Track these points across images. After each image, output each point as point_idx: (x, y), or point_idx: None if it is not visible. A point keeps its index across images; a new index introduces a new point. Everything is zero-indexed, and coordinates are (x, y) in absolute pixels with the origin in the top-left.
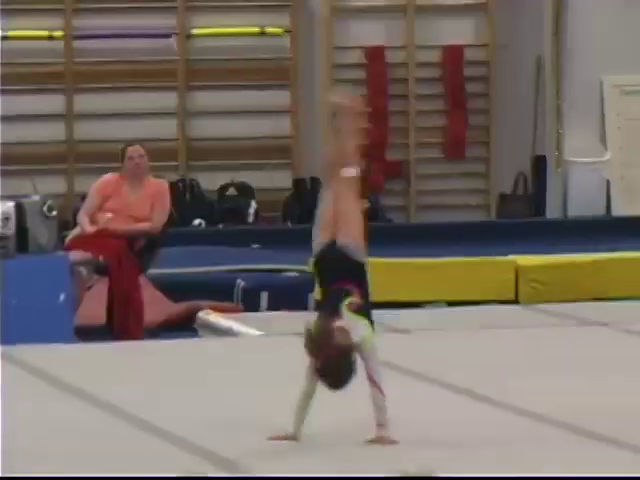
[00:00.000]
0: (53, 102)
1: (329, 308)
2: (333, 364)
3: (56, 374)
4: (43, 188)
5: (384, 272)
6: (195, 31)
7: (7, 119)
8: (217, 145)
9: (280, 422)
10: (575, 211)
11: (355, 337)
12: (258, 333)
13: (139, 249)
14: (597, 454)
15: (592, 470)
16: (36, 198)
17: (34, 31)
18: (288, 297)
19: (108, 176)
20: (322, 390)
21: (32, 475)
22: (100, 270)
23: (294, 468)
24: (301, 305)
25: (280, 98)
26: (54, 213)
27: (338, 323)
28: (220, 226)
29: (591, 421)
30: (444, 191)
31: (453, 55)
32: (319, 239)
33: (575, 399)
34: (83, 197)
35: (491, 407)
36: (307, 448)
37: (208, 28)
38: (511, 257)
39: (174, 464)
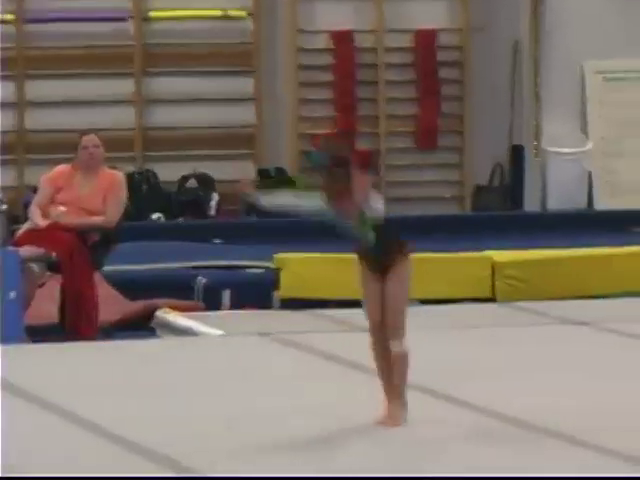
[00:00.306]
0: (3, 89)
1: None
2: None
3: (6, 376)
4: None
5: (351, 269)
6: (153, 14)
7: None
8: (176, 134)
9: (244, 425)
10: (555, 204)
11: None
12: (220, 333)
13: (93, 244)
14: (571, 456)
15: (569, 473)
16: None
17: None
18: (252, 295)
19: (61, 167)
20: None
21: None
22: (52, 266)
23: (263, 471)
24: (265, 303)
25: (243, 84)
26: (4, 207)
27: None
28: (180, 220)
29: (568, 423)
30: (416, 182)
31: (425, 39)
32: None
33: (552, 400)
34: (34, 190)
35: (464, 409)
36: (277, 451)
37: (167, 10)
38: (487, 252)
39: (133, 471)
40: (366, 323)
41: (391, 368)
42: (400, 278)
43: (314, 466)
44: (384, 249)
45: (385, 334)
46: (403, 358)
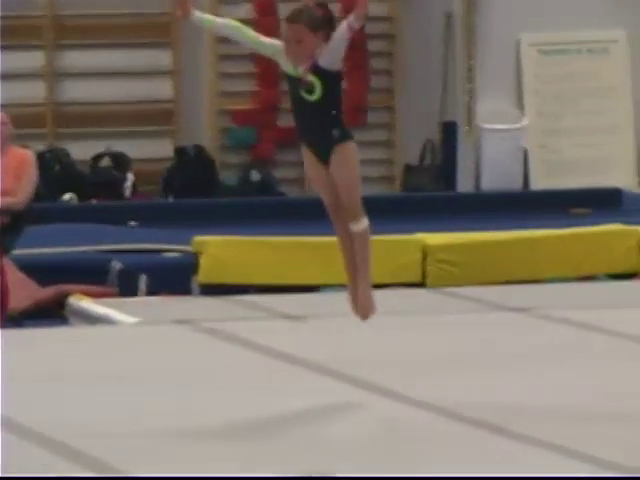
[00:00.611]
0: None
1: None
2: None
3: None
4: None
5: (275, 252)
6: None
7: None
8: (89, 110)
9: (164, 419)
10: (489, 184)
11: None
12: (136, 320)
13: (1, 226)
14: (506, 451)
15: (503, 469)
16: None
17: None
18: (169, 280)
19: None
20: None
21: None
22: None
23: (173, 469)
24: (184, 289)
25: (160, 57)
26: None
27: None
28: (93, 201)
29: (499, 417)
30: None
31: (353, 9)
32: None
33: (482, 393)
34: None
35: (394, 402)
36: (199, 445)
37: None
38: (417, 235)
39: (55, 471)
40: (289, 310)
41: (357, 255)
42: (345, 160)
43: (240, 464)
44: (328, 107)
45: (343, 214)
46: (364, 235)
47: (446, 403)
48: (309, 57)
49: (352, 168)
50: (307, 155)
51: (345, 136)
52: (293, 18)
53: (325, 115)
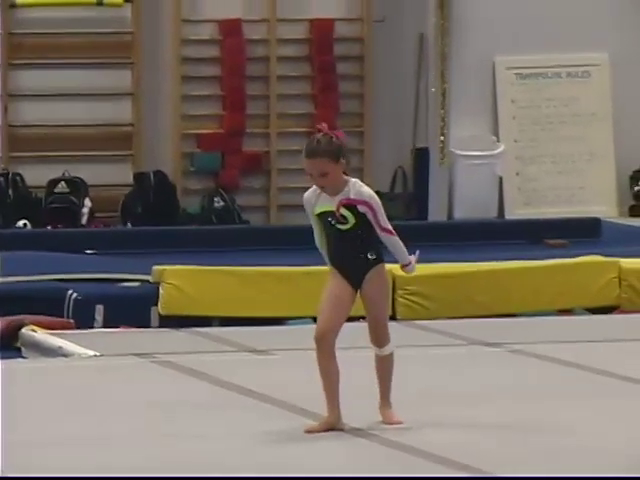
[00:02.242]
0: None
1: None
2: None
3: None
4: None
5: (239, 283)
6: (19, 0)
7: None
8: (45, 133)
9: (116, 453)
10: (462, 213)
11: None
12: (92, 353)
13: None
14: None
15: None
16: None
17: None
18: (128, 311)
19: None
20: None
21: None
22: None
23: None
24: (143, 320)
25: (120, 79)
26: None
27: None
28: (48, 228)
29: (467, 455)
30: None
31: (321, 30)
32: None
33: (447, 430)
34: None
35: (360, 439)
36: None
37: None
38: (386, 266)
39: None
40: (252, 343)
41: (379, 371)
42: (380, 280)
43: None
44: (360, 232)
45: (332, 344)
46: (390, 358)
47: (408, 440)
48: (338, 186)
49: (386, 288)
50: (335, 275)
51: (379, 259)
52: (312, 154)
53: (358, 239)
